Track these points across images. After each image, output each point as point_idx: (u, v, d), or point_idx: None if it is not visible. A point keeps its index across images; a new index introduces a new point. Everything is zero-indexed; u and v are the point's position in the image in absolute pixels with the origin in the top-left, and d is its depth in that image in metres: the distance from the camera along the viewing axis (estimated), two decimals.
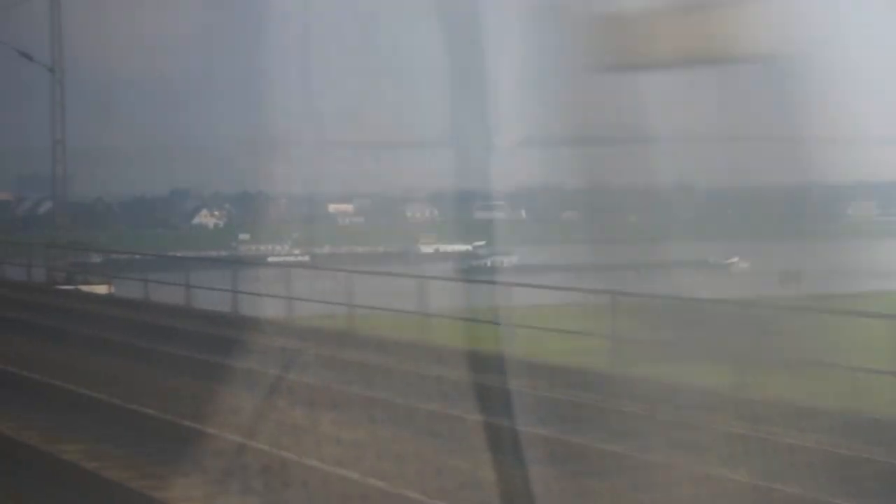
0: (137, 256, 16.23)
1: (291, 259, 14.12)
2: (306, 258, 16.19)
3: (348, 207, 27.11)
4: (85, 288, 14.94)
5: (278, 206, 19.12)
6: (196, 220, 19.44)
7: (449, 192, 22.80)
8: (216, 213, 20.11)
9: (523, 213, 22.78)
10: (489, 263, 19.60)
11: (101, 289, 14.19)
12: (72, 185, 20.76)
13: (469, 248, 22.94)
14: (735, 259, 22.40)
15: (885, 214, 21.30)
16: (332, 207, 22.65)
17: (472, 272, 17.19)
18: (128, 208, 20.01)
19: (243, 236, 17.31)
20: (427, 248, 22.61)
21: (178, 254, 17.35)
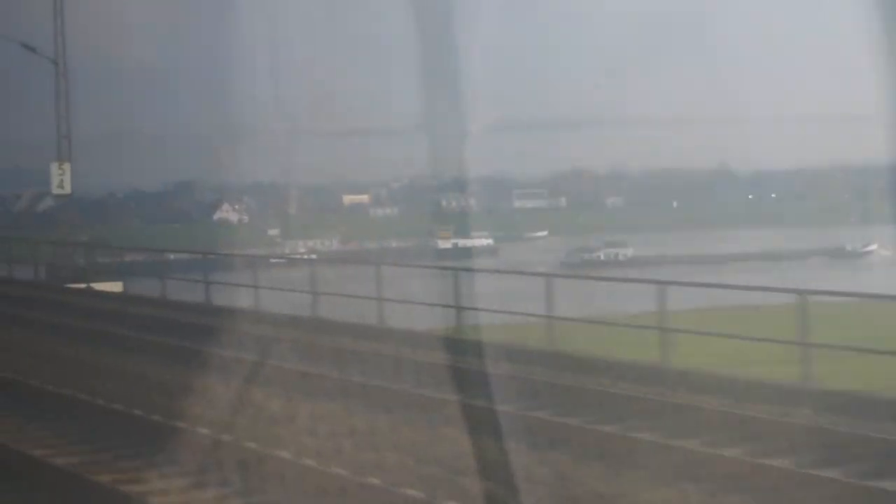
0: (186, 256, 14.06)
1: (340, 253, 12.26)
2: (351, 253, 14.45)
3: (365, 198, 25.41)
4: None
5: (301, 198, 17.36)
6: (218, 215, 17.73)
7: (484, 180, 21.01)
8: (237, 206, 18.37)
9: (563, 200, 21.09)
10: (602, 257, 17.84)
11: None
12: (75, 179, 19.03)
13: (489, 241, 21.24)
14: (874, 246, 20.29)
15: None
16: (349, 199, 20.96)
17: (587, 266, 15.57)
18: (140, 202, 18.32)
19: (272, 231, 15.52)
20: (445, 244, 20.88)
21: (239, 252, 15.14)
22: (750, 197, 17.21)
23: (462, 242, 18.14)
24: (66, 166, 16.12)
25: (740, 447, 5.58)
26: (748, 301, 10.34)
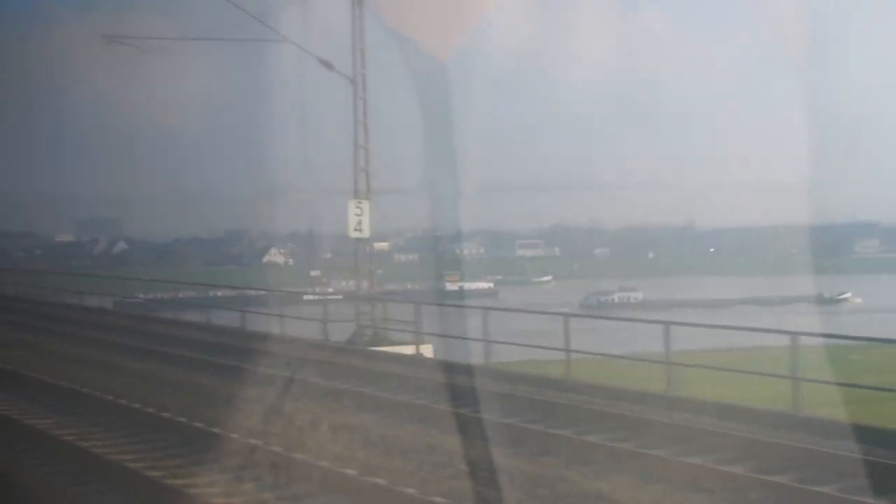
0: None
1: (381, 293, 13.28)
2: (388, 293, 16.42)
3: (386, 245, 28.38)
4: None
5: (334, 244, 19.92)
6: (266, 259, 20.17)
7: (487, 232, 23.79)
8: (283, 251, 20.89)
9: (557, 250, 23.53)
10: (616, 300, 19.79)
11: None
12: (132, 227, 21.71)
13: (490, 285, 23.40)
14: (848, 294, 21.58)
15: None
16: (378, 245, 23.69)
17: (603, 308, 17.10)
18: (197, 247, 20.86)
19: (314, 272, 17.93)
20: (452, 286, 23.03)
21: (296, 290, 17.04)
22: (711, 250, 19.51)
23: (467, 286, 20.44)
24: (366, 205, 12.36)
25: (710, 456, 6.14)
26: (749, 341, 11.05)
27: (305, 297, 16.71)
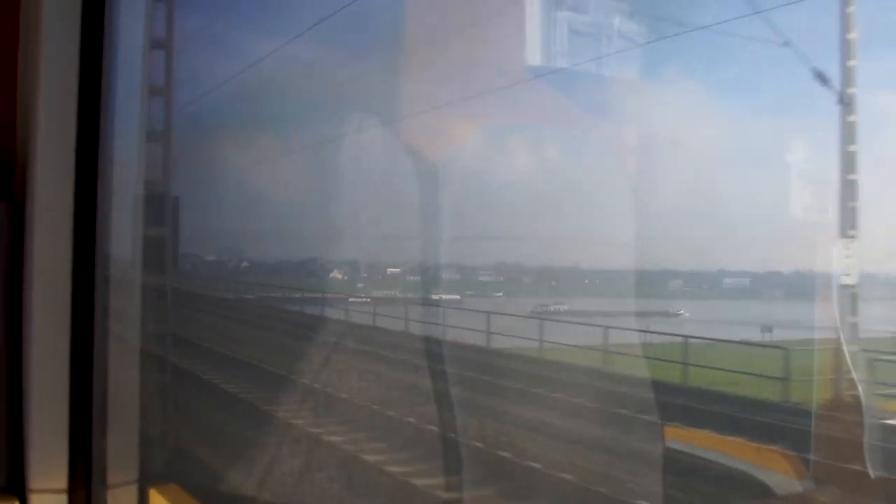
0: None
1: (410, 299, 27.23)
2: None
3: (398, 270, 40.63)
4: None
5: (368, 267, 33.08)
6: (331, 275, 32.99)
7: (458, 266, 38.04)
8: (341, 271, 34.01)
9: (501, 277, 37.11)
10: (551, 309, 25.78)
11: None
12: (248, 252, 35.51)
13: (458, 297, 34.95)
14: (682, 311, 27.98)
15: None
16: (391, 270, 35.99)
17: (546, 314, 22.49)
18: (292, 267, 33.68)
19: (360, 285, 30.44)
20: (435, 297, 34.48)
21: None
22: (586, 281, 32.01)
23: (444, 297, 31.90)
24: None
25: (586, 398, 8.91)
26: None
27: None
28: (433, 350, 10.65)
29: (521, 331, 16.79)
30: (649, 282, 36.72)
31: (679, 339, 13.58)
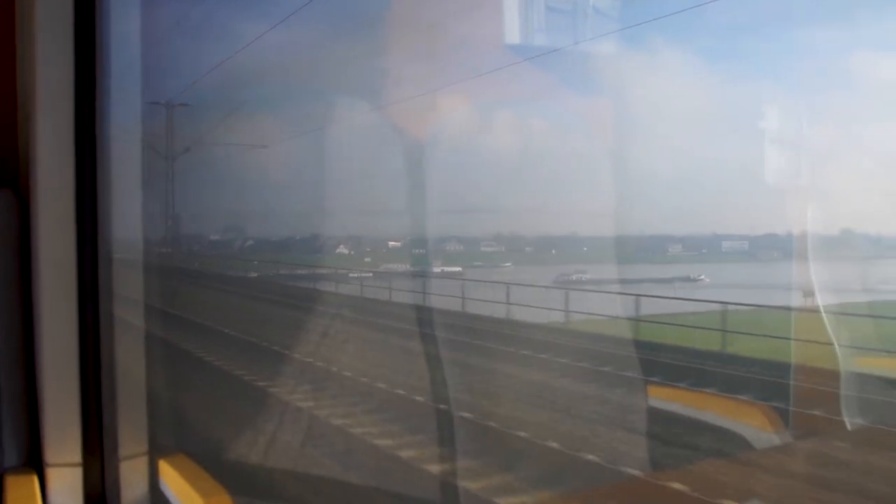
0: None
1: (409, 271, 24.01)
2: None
3: (399, 243, 40.72)
4: None
5: (373, 242, 33.10)
6: (338, 251, 32.93)
7: (464, 238, 37.90)
8: (347, 245, 33.86)
9: (503, 248, 37.08)
10: (574, 278, 25.86)
11: None
12: (253, 231, 35.86)
13: (459, 269, 35.08)
14: (702, 276, 27.60)
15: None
16: (392, 244, 36.28)
17: (569, 283, 22.03)
18: (300, 244, 33.93)
19: (367, 259, 30.57)
20: (437, 269, 34.92)
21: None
22: (584, 249, 32.03)
23: (446, 269, 33.53)
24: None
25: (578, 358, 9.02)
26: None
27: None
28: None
29: (554, 302, 15.82)
30: (649, 247, 36.82)
31: (718, 307, 12.54)
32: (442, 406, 6.99)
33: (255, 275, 29.58)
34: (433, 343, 9.19)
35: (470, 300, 16.38)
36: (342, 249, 36.08)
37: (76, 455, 2.26)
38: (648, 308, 14.65)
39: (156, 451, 2.59)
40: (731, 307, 12.03)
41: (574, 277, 32.39)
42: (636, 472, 5.49)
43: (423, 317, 13.66)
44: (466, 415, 6.74)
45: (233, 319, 13.05)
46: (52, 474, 2.22)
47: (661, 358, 9.01)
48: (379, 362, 8.87)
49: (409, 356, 8.81)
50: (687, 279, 33.01)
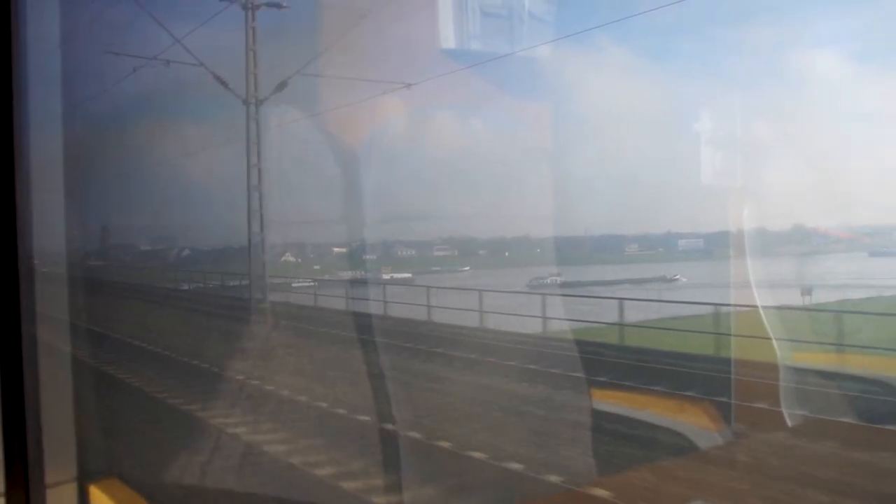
0: None
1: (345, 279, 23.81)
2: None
3: (345, 250, 41.33)
4: None
5: (314, 249, 33.12)
6: (284, 258, 32.94)
7: (415, 242, 37.66)
8: (293, 253, 34.32)
9: (456, 251, 37.30)
10: (548, 281, 26.23)
11: None
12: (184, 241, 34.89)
13: (410, 275, 34.98)
14: (678, 276, 26.23)
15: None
16: (337, 250, 35.71)
17: (543, 287, 22.07)
18: (238, 252, 33.72)
19: (316, 266, 30.43)
20: (386, 276, 30.02)
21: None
22: (538, 251, 32.57)
23: (396, 275, 29.35)
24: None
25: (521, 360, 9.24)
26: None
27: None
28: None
29: (544, 309, 14.49)
30: (605, 247, 37.50)
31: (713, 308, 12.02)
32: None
33: (193, 286, 28.96)
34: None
35: (451, 310, 15.26)
36: (288, 257, 35.72)
37: None
38: (646, 312, 14.32)
39: (86, 477, 2.54)
40: (725, 308, 11.79)
41: (549, 281, 32.54)
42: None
43: (393, 329, 13.44)
44: None
45: (167, 337, 12.74)
46: None
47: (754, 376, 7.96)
48: (329, 383, 8.65)
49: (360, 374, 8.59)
50: (663, 279, 33.54)
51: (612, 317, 12.47)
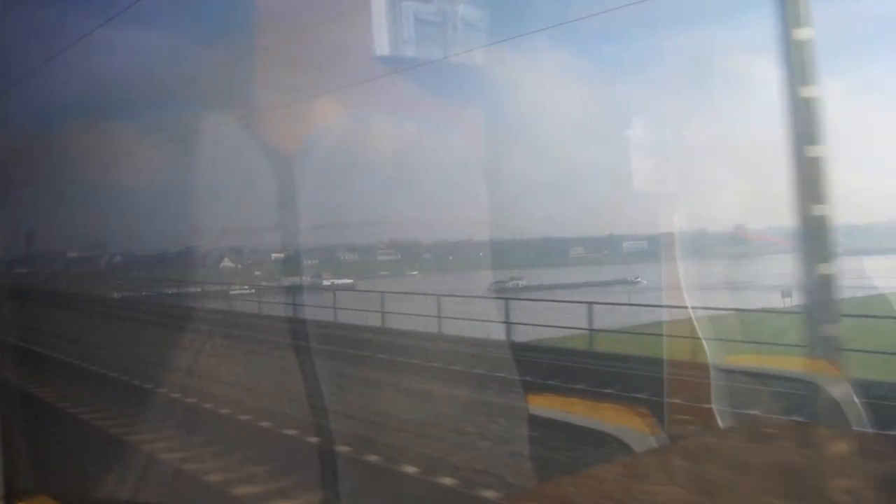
0: None
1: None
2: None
3: (282, 255, 40.73)
4: None
5: (252, 254, 32.69)
6: (223, 264, 32.45)
7: (357, 246, 37.65)
8: (229, 258, 33.58)
9: (399, 255, 38.20)
10: (510, 285, 27.27)
11: None
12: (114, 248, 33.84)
13: (351, 281, 34.98)
14: (639, 278, 26.64)
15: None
16: (274, 255, 35.22)
17: (506, 291, 22.60)
18: (174, 258, 32.75)
19: (257, 272, 30.14)
20: (327, 282, 29.71)
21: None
22: (480, 254, 33.14)
23: (337, 282, 29.18)
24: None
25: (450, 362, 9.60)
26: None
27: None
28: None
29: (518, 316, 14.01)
30: (550, 250, 38.26)
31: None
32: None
33: (123, 294, 28.42)
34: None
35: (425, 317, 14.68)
36: (227, 262, 35.35)
37: None
38: (628, 317, 13.95)
39: (13, 496, 2.66)
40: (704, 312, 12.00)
41: (510, 285, 32.62)
42: None
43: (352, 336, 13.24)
44: None
45: (95, 350, 12.59)
46: None
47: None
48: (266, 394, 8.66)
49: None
50: (625, 282, 34.00)
51: (600, 322, 12.31)
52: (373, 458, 6.14)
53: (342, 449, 6.18)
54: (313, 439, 6.56)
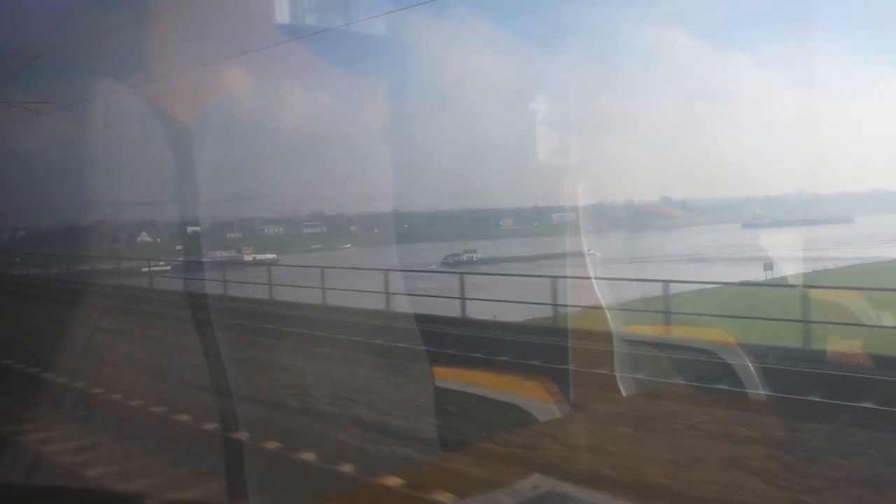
0: None
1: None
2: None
3: (199, 229, 39.31)
4: None
5: (172, 227, 31.63)
6: (140, 238, 31.04)
7: (284, 219, 37.38)
8: (148, 233, 32.23)
9: (325, 228, 37.65)
10: (464, 258, 27.61)
11: None
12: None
13: (274, 256, 33.51)
14: (592, 250, 32.29)
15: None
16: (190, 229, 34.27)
17: (459, 265, 23.03)
18: (85, 232, 31.38)
19: (178, 247, 28.91)
20: (248, 257, 29.91)
21: None
22: (406, 226, 32.99)
23: (259, 257, 28.76)
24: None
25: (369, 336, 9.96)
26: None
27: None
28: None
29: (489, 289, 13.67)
30: (481, 221, 38.48)
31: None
32: None
33: (28, 272, 27.51)
34: None
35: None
36: (145, 237, 34.28)
37: None
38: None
39: None
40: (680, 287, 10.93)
41: (465, 258, 32.35)
42: None
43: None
44: None
45: None
46: None
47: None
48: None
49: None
50: (580, 254, 34.29)
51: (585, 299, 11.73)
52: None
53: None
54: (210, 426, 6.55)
